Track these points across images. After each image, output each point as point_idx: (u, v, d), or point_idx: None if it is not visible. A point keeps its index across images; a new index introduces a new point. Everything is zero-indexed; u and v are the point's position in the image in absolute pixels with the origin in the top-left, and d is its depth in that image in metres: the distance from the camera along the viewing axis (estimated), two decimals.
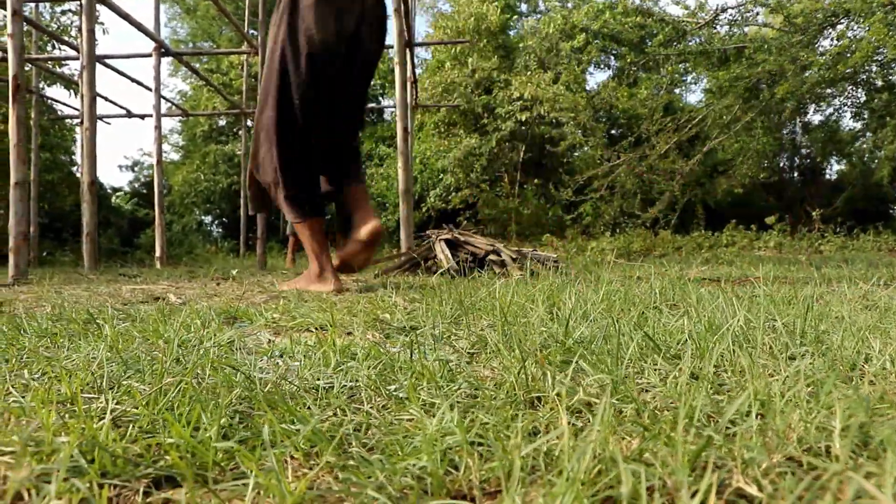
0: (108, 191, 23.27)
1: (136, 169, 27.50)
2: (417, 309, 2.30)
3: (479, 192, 17.05)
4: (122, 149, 49.02)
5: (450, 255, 4.39)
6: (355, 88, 3.71)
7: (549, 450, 0.73)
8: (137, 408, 0.91)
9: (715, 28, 11.23)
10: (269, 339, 1.73)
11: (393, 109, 21.35)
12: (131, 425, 0.84)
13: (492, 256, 4.46)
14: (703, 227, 14.33)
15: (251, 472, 0.66)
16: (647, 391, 1.06)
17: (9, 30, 4.86)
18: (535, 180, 18.01)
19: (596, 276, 3.64)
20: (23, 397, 1.01)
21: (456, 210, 17.84)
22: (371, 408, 0.96)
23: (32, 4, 10.40)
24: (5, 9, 8.39)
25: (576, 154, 18.75)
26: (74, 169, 16.91)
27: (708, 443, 0.67)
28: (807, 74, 10.88)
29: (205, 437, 0.76)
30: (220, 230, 25.26)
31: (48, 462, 0.71)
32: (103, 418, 0.88)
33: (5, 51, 9.88)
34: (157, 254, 9.31)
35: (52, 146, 14.06)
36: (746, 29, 11.69)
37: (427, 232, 5.41)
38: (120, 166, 35.80)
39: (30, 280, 4.70)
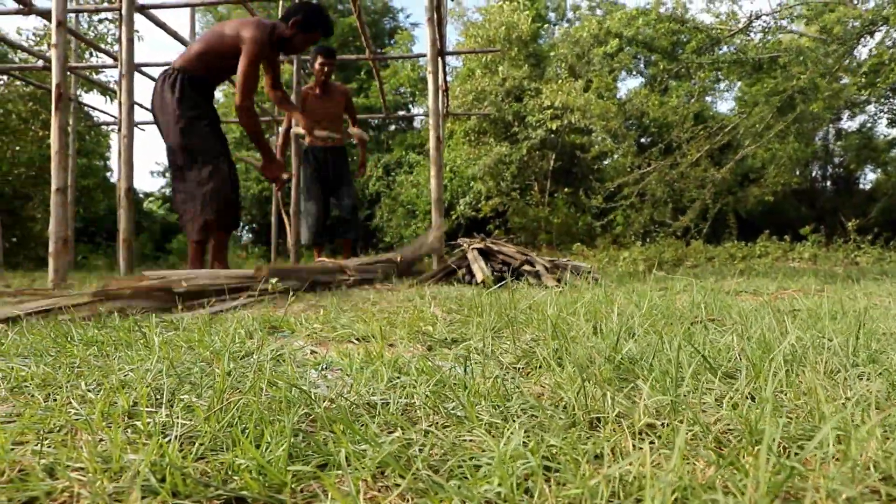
0: (140, 196, 23.57)
1: (167, 174, 27.75)
2: (457, 320, 2.29)
3: (509, 201, 16.99)
4: (152, 154, 49.63)
5: (484, 266, 4.37)
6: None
7: (622, 476, 0.72)
8: (198, 424, 0.91)
9: (748, 35, 11.07)
10: (313, 351, 1.73)
11: (422, 117, 21.42)
12: (196, 442, 0.84)
13: (526, 267, 4.43)
14: (735, 236, 14.14)
15: (329, 495, 0.65)
16: (703, 412, 1.04)
17: (53, 40, 4.94)
18: (566, 189, 17.91)
19: (633, 287, 3.60)
20: (79, 408, 1.02)
21: (486, 218, 17.78)
22: (429, 426, 0.95)
23: (72, 14, 10.57)
24: (47, 19, 8.54)
25: (605, 162, 18.63)
26: (108, 174, 17.14)
27: (791, 473, 0.65)
28: (842, 83, 10.71)
29: (273, 456, 0.75)
30: (251, 236, 25.42)
31: (118, 480, 0.71)
32: (165, 434, 0.88)
33: (46, 59, 10.06)
34: None
35: (87, 152, 14.28)
36: (781, 36, 11.53)
37: (458, 241, 5.39)
38: (151, 172, 36.18)
39: (70, 285, 4.75)
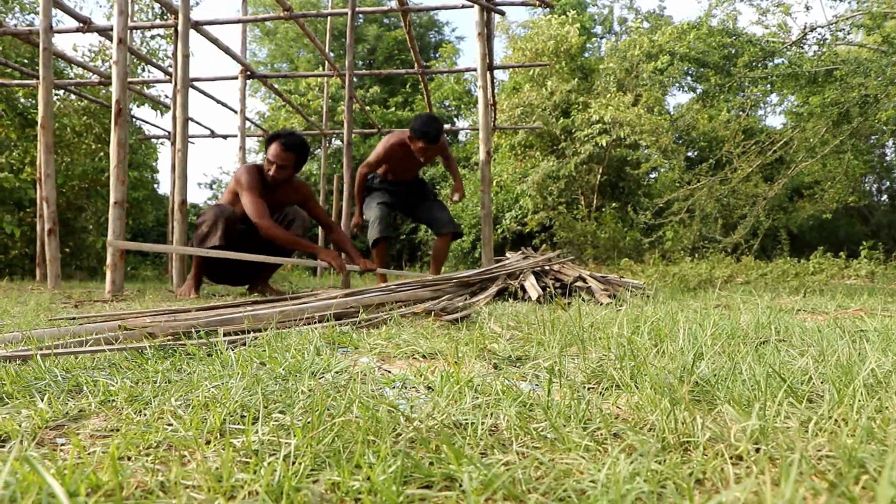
0: (188, 207, 24.00)
1: (213, 186, 28.12)
2: (518, 338, 2.28)
3: (555, 215, 16.90)
4: (200, 166, 50.58)
5: (535, 282, 4.35)
6: None
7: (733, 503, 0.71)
8: (296, 443, 0.92)
9: (803, 47, 10.88)
10: (380, 367, 1.74)
11: (467, 131, 21.46)
12: (296, 462, 0.84)
13: (578, 283, 4.41)
14: (787, 253, 13.87)
15: None
16: (788, 437, 1.02)
17: (114, 57, 5.08)
18: (613, 203, 17.77)
19: (689, 304, 3.56)
20: (169, 426, 1.03)
21: (531, 233, 17.72)
22: (520, 447, 0.95)
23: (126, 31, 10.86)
24: (104, 36, 8.77)
25: (653, 176, 18.46)
26: (156, 186, 17.47)
27: None
28: None
29: (385, 476, 0.75)
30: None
31: (234, 499, 0.72)
32: (265, 452, 0.89)
33: (101, 75, 10.33)
34: None
35: (138, 164, 14.59)
36: (837, 48, 11.30)
37: (506, 255, 5.38)
38: (199, 184, 36.65)
39: (126, 297, 4.85)
